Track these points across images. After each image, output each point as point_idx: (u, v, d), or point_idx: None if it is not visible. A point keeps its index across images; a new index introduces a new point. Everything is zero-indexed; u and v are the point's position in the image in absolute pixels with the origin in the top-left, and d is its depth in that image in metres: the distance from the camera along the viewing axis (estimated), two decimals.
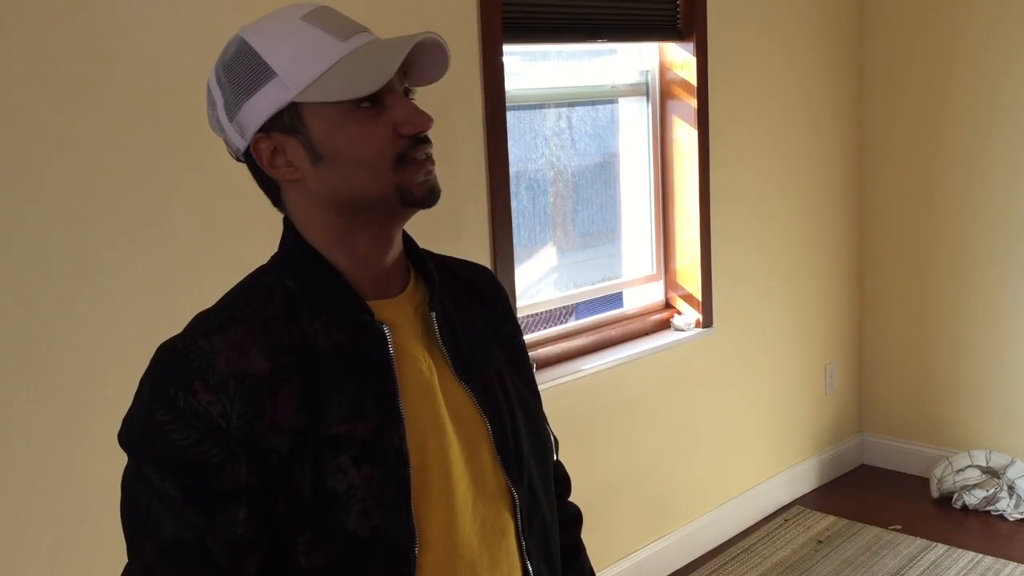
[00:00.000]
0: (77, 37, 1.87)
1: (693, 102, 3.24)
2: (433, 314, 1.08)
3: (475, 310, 1.16)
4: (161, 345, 0.99)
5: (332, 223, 1.02)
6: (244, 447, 0.94)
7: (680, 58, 3.24)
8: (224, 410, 0.93)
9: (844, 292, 4.04)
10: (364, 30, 1.02)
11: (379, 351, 1.02)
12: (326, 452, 0.96)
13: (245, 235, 2.05)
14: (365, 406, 0.99)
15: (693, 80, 3.23)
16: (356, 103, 0.98)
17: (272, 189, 1.05)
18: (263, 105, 0.98)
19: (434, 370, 1.06)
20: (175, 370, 0.95)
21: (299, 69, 0.97)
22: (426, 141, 1.01)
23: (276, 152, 1.00)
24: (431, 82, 1.05)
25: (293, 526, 0.96)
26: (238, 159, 1.05)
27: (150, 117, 1.97)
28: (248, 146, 1.01)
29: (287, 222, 1.06)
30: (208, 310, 1.02)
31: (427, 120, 1.00)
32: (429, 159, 1.02)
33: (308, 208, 1.03)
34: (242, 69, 0.99)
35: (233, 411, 0.94)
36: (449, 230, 2.53)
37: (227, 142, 1.04)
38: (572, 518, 1.31)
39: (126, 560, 0.97)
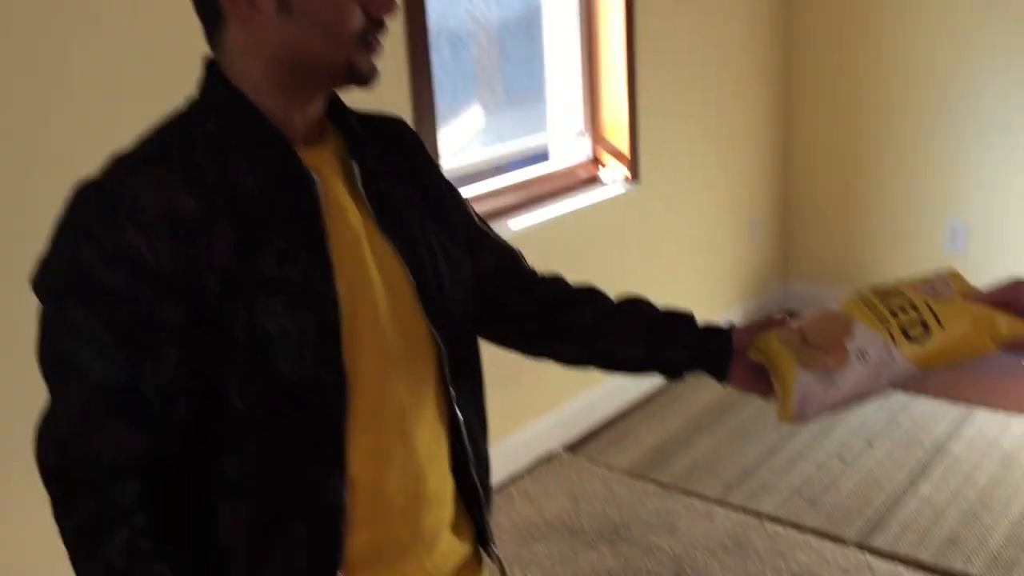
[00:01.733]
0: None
1: None
2: (355, 165, 1.07)
3: (395, 162, 1.14)
4: (81, 185, 0.95)
5: (272, 72, 1.00)
6: (175, 287, 0.92)
7: None
8: (154, 249, 0.91)
9: (770, 144, 4.07)
10: None
11: (308, 198, 1.00)
12: (258, 294, 0.95)
13: (148, 91, 1.97)
14: (296, 252, 0.98)
15: None
16: None
17: (214, 17, 1.00)
18: None
19: (361, 221, 1.06)
20: (101, 209, 0.92)
21: None
22: (384, 25, 1.01)
23: None
24: None
25: (225, 368, 0.96)
26: None
27: None
28: None
29: (211, 65, 1.03)
30: (124, 152, 0.98)
31: (395, 7, 1.00)
32: (380, 43, 1.02)
33: (251, 52, 0.99)
34: None
35: (163, 250, 0.91)
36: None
37: None
38: (582, 289, 1.27)
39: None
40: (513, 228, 2.95)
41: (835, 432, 3.24)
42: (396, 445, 1.07)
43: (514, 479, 3.02)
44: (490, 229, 1.27)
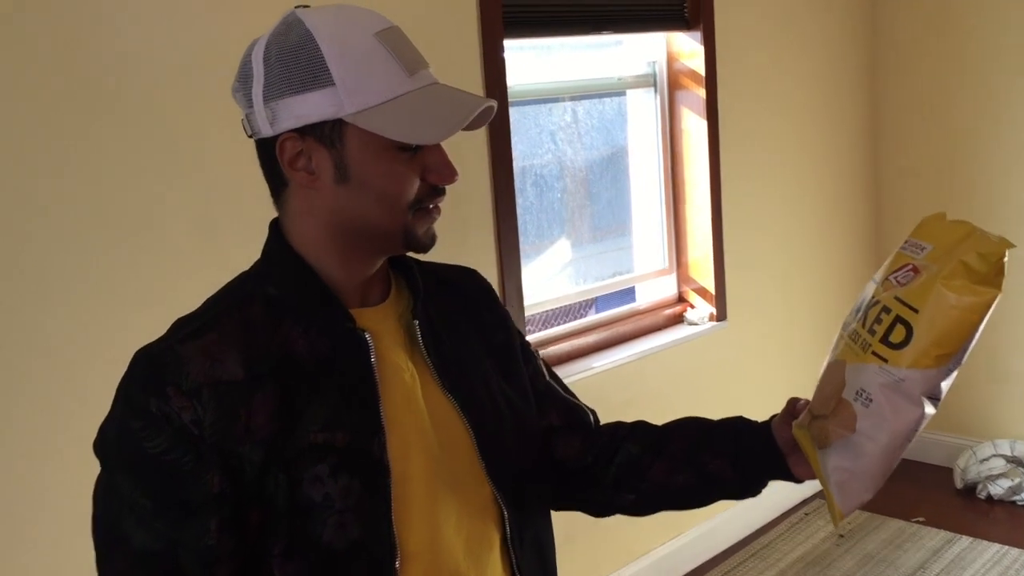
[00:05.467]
0: (72, 39, 1.85)
1: (702, 92, 3.19)
2: (416, 323, 1.06)
3: (462, 318, 1.13)
4: (138, 350, 0.97)
5: (329, 236, 1.01)
6: (216, 455, 0.92)
7: (687, 47, 3.19)
8: (196, 417, 0.92)
9: (861, 280, 3.97)
10: (426, 65, 1.01)
11: (360, 359, 1.00)
12: (302, 461, 0.94)
13: (241, 238, 2.03)
14: (344, 415, 0.97)
15: (701, 69, 3.17)
16: (400, 143, 0.96)
17: (278, 181, 1.02)
18: (309, 108, 0.95)
19: (417, 379, 1.04)
20: (148, 375, 0.94)
21: (360, 90, 0.95)
22: (443, 192, 1.02)
23: (301, 154, 0.98)
24: (466, 130, 1.03)
25: (267, 536, 0.94)
26: (250, 136, 1.02)
27: (144, 117, 1.95)
28: (275, 137, 0.98)
29: (274, 226, 1.05)
30: (187, 316, 1.01)
31: (454, 175, 1.01)
32: (438, 209, 1.03)
33: (310, 216, 1.01)
34: (300, 63, 0.95)
35: (205, 418, 0.92)
36: (453, 230, 2.49)
37: (248, 118, 1.00)
38: (630, 424, 1.22)
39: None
40: (597, 367, 2.91)
41: None
42: None
43: None
44: (561, 386, 1.23)
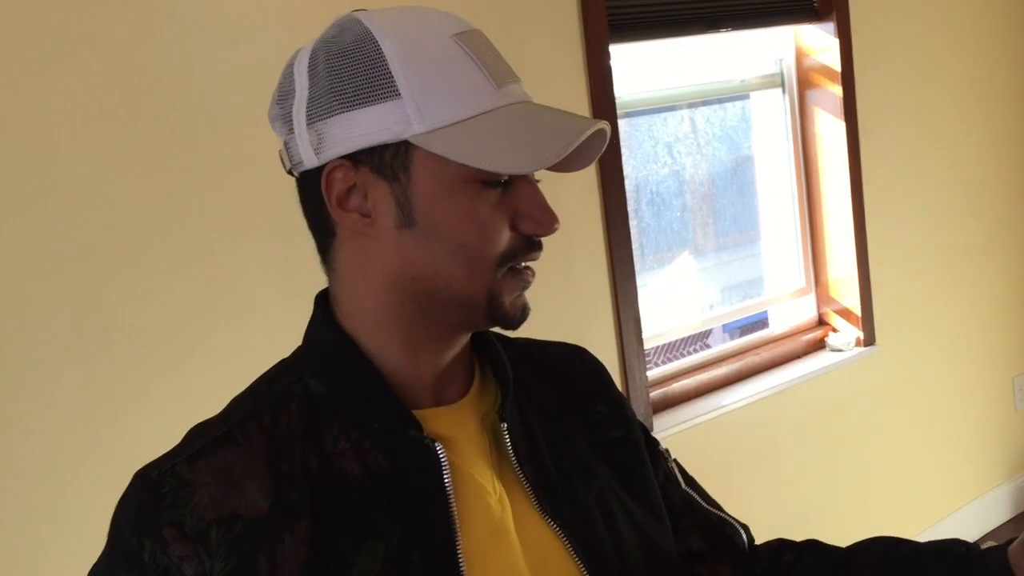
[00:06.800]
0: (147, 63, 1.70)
1: (838, 90, 2.85)
2: (504, 425, 0.80)
3: (567, 414, 0.87)
4: (137, 471, 0.75)
5: (391, 304, 0.77)
6: None
7: (819, 42, 2.86)
8: (201, 570, 0.69)
9: None
10: (518, 79, 0.77)
11: (429, 479, 0.75)
12: None
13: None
14: (407, 558, 0.72)
15: (836, 65, 2.84)
16: (486, 175, 0.73)
17: (324, 230, 0.79)
18: (367, 127, 0.72)
19: (507, 504, 0.79)
20: (143, 509, 0.72)
21: (434, 103, 0.72)
22: (540, 247, 0.77)
23: (353, 190, 0.74)
24: (569, 170, 0.79)
25: None
26: (290, 172, 0.79)
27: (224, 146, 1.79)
28: (320, 168, 0.75)
29: (320, 300, 0.81)
30: (205, 422, 0.78)
31: (554, 221, 0.76)
32: (532, 271, 0.78)
33: (366, 275, 0.77)
34: (356, 69, 0.73)
35: (214, 570, 0.69)
36: (559, 259, 2.25)
37: (286, 145, 0.77)
38: (797, 545, 0.96)
39: None
40: (728, 405, 2.61)
41: None
42: None
43: None
44: (702, 495, 0.95)
